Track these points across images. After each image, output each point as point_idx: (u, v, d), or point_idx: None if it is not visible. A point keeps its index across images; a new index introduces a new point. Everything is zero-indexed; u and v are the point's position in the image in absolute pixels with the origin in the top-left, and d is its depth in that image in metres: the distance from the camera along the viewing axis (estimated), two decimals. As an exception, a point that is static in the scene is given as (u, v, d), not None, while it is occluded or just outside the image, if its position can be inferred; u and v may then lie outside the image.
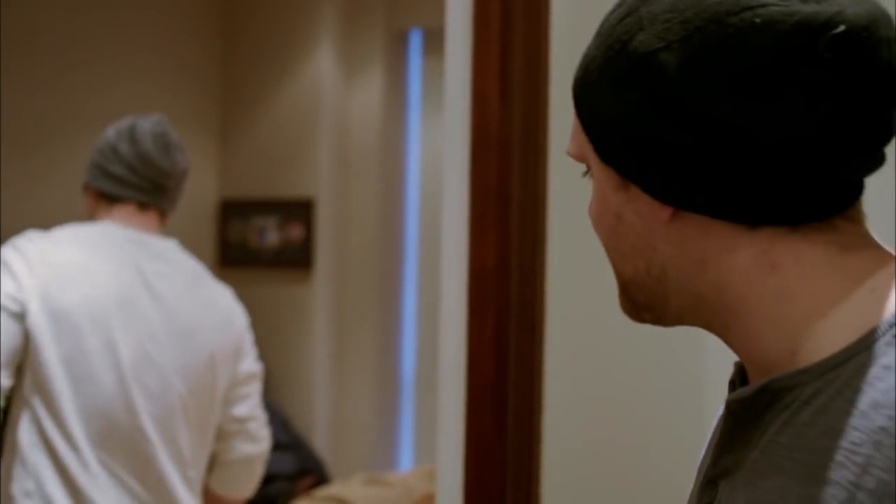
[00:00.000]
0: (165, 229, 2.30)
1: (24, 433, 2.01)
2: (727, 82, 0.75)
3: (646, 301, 0.86)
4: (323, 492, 4.23)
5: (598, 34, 0.82)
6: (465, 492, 1.70)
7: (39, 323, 2.00)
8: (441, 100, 1.85)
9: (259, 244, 5.50)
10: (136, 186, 2.21)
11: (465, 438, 1.69)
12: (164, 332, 2.13)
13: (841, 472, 0.72)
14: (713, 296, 0.81)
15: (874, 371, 0.72)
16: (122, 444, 2.06)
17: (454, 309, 1.70)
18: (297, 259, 5.37)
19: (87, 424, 2.01)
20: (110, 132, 2.27)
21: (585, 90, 0.82)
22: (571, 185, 1.08)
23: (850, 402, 0.73)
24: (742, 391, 0.81)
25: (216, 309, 2.24)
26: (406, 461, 5.48)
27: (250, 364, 2.28)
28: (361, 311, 5.41)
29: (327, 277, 5.35)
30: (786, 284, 0.78)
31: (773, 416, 0.78)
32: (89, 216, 2.27)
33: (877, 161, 0.80)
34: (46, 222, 2.37)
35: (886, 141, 0.79)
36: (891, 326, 0.74)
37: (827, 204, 0.78)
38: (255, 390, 2.28)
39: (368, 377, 5.36)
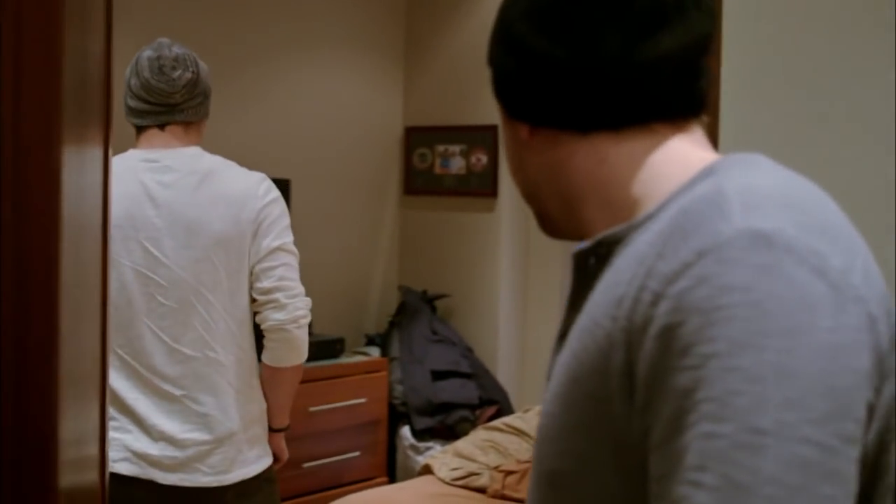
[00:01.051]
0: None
1: None
2: (543, 24, 1.00)
3: (539, 211, 1.10)
4: (500, 421, 4.18)
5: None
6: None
7: None
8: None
9: (443, 171, 5.45)
10: (148, 112, 2.48)
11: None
12: (167, 236, 2.40)
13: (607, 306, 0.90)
14: (569, 192, 1.04)
15: (662, 215, 0.91)
16: (127, 339, 2.39)
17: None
18: (482, 186, 5.30)
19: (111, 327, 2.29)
20: (126, 70, 2.51)
21: (492, 51, 1.08)
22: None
23: (636, 242, 0.92)
24: (580, 245, 1.01)
25: (222, 200, 2.43)
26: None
27: (271, 240, 2.44)
28: (547, 239, 5.29)
29: (512, 204, 5.25)
30: (612, 172, 1.00)
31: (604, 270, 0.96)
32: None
33: (686, 84, 1.00)
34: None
35: (674, 62, 0.98)
36: (691, 181, 0.93)
37: (639, 111, 0.99)
38: (281, 263, 2.44)
39: (554, 306, 5.26)
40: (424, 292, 5.34)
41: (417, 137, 5.53)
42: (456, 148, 5.38)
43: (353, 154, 5.35)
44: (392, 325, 5.25)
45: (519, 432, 4.05)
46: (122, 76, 2.52)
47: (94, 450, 1.16)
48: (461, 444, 3.97)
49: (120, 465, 2.37)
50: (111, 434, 2.30)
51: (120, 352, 2.40)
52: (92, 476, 1.14)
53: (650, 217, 0.93)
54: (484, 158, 5.27)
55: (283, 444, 2.64)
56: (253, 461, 2.49)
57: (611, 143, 1.00)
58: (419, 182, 5.53)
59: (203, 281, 2.41)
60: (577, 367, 0.91)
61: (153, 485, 2.39)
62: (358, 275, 5.43)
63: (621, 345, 0.85)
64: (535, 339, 5.34)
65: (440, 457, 3.86)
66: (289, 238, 2.50)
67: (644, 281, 0.85)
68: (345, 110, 5.31)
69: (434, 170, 5.47)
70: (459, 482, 3.68)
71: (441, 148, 5.43)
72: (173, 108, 2.47)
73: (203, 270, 2.41)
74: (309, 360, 4.46)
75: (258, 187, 2.47)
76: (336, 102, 5.27)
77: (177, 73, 2.45)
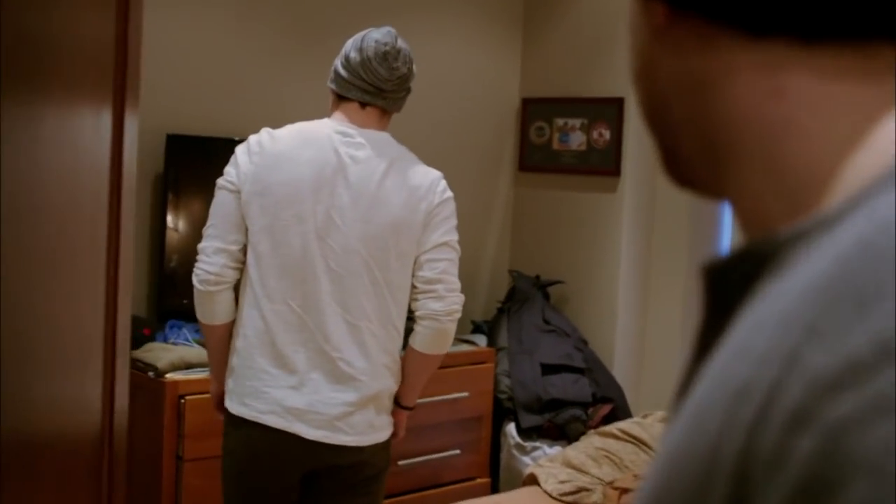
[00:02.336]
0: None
1: (242, 294, 2.62)
2: None
3: (664, 143, 0.69)
4: (616, 427, 3.77)
5: None
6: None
7: (249, 200, 2.56)
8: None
9: (562, 147, 5.04)
10: (358, 88, 2.65)
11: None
12: (350, 207, 2.57)
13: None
14: (715, 132, 0.63)
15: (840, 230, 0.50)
16: (303, 294, 2.57)
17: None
18: (604, 164, 4.88)
19: (281, 280, 2.55)
20: (348, 41, 2.71)
21: None
22: None
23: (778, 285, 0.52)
24: (719, 257, 0.59)
25: (406, 188, 2.61)
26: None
27: (440, 235, 2.63)
28: (673, 224, 4.87)
29: (636, 185, 4.83)
30: (791, 117, 0.58)
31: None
32: (329, 111, 2.74)
33: None
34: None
35: None
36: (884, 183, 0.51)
37: (859, 15, 0.56)
38: (445, 258, 2.63)
39: (677, 298, 4.83)
40: (537, 278, 4.97)
41: (535, 109, 5.13)
42: (576, 122, 4.97)
43: (464, 127, 4.99)
44: (501, 311, 4.89)
45: (637, 441, 3.64)
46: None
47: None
48: (571, 451, 3.58)
49: (267, 417, 2.56)
50: (259, 387, 2.55)
51: (293, 304, 2.56)
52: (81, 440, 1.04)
53: (827, 223, 0.53)
54: (607, 134, 4.86)
55: (404, 422, 2.84)
56: (383, 427, 2.69)
57: (799, 64, 0.59)
58: (535, 158, 5.14)
59: (375, 256, 2.59)
60: (666, 478, 0.53)
61: (297, 438, 2.56)
62: (466, 257, 5.03)
63: (729, 475, 0.47)
64: (657, 332, 4.91)
65: (547, 466, 3.48)
66: (455, 237, 2.68)
67: (782, 372, 0.47)
68: (456, 80, 4.94)
69: (552, 145, 5.07)
70: (568, 498, 3.30)
71: (560, 121, 5.03)
72: (381, 93, 2.65)
73: (376, 247, 2.59)
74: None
75: (438, 184, 2.66)
76: (447, 71, 4.91)
77: (397, 65, 2.65)
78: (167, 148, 3.81)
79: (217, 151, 3.95)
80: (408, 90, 2.73)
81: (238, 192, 2.59)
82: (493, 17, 5.08)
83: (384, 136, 2.69)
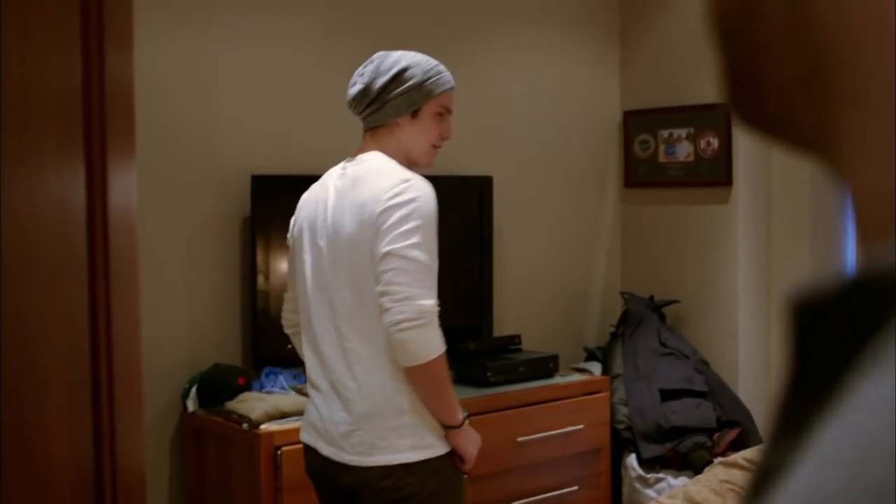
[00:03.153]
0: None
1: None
2: None
3: (739, 65, 0.45)
4: (741, 456, 3.50)
5: None
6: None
7: (291, 247, 2.82)
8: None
9: (668, 159, 4.79)
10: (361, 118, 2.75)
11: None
12: (324, 236, 2.64)
13: None
14: (828, 50, 0.38)
15: None
16: (308, 321, 2.73)
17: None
18: (714, 174, 4.62)
19: (302, 313, 2.74)
20: None
21: None
22: None
23: None
24: (815, 287, 0.36)
25: (356, 205, 2.57)
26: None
27: (383, 245, 2.50)
28: (792, 234, 4.57)
29: (750, 194, 4.55)
30: None
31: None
32: None
33: None
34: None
35: None
36: None
37: None
38: (390, 268, 2.48)
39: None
40: (651, 298, 4.72)
41: (637, 122, 4.89)
42: (682, 132, 4.72)
43: (563, 144, 4.78)
44: (614, 336, 4.65)
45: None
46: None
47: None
48: (693, 486, 3.32)
49: (302, 433, 2.75)
50: (307, 408, 2.76)
51: (308, 333, 2.72)
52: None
53: None
54: (715, 142, 4.59)
55: (459, 442, 2.65)
56: (403, 449, 2.58)
57: None
58: (641, 172, 4.90)
59: (344, 278, 2.59)
60: None
61: (318, 453, 2.67)
62: (574, 280, 4.85)
63: None
64: (782, 348, 4.61)
65: (667, 503, 3.23)
66: (405, 242, 2.50)
67: None
68: (553, 94, 4.74)
69: (658, 158, 4.83)
70: (692, 537, 3.04)
71: (665, 133, 4.79)
72: (361, 114, 2.71)
73: (344, 270, 2.59)
74: (516, 381, 4.01)
75: (385, 192, 2.53)
76: (543, 86, 4.71)
77: (353, 87, 2.69)
78: (253, 189, 3.70)
79: (303, 189, 3.84)
80: (379, 100, 2.66)
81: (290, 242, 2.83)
82: (589, 30, 4.87)
83: (366, 156, 2.67)
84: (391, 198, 2.52)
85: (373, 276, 2.54)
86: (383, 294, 2.50)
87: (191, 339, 3.65)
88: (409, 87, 2.66)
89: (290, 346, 3.67)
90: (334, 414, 2.64)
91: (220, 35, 3.73)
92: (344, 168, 2.71)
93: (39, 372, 1.10)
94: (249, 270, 3.73)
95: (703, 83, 4.62)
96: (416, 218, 2.51)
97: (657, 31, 4.82)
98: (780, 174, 4.61)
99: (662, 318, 4.69)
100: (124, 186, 0.98)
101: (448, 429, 2.63)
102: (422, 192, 2.54)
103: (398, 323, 2.47)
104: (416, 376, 2.55)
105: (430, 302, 2.49)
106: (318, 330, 2.68)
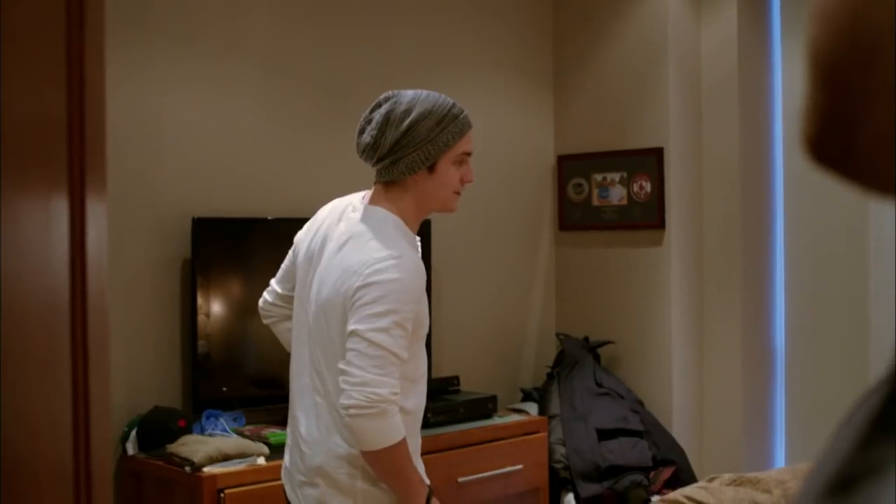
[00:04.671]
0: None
1: None
2: None
3: (836, 109, 0.44)
4: (682, 493, 3.55)
5: None
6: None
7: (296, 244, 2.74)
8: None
9: (602, 202, 4.88)
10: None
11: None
12: (315, 282, 2.55)
13: None
14: None
15: None
16: (293, 358, 2.66)
17: None
18: (647, 217, 4.71)
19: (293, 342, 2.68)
20: None
21: None
22: None
23: None
24: None
25: (340, 268, 2.47)
26: (779, 456, 4.69)
27: (352, 323, 2.41)
28: (723, 277, 4.67)
29: (683, 236, 4.65)
30: None
31: None
32: None
33: None
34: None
35: None
36: None
37: None
38: (351, 349, 2.39)
39: (735, 350, 4.62)
40: (586, 339, 4.78)
41: (571, 166, 4.98)
42: (615, 175, 4.81)
43: (499, 187, 4.84)
44: (550, 377, 4.70)
45: (704, 508, 3.42)
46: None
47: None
48: (634, 524, 3.36)
49: (282, 473, 2.68)
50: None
51: (291, 365, 2.65)
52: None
53: None
54: (648, 186, 4.69)
55: None
56: None
57: None
58: (575, 216, 4.98)
59: (316, 333, 2.53)
60: None
61: (286, 497, 2.63)
62: (510, 322, 4.90)
63: None
64: (715, 387, 4.70)
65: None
66: (372, 325, 2.38)
67: None
68: (488, 139, 4.81)
69: (592, 201, 4.92)
70: (634, 574, 3.07)
71: (599, 177, 4.88)
72: (372, 165, 2.55)
73: (317, 325, 2.53)
74: (457, 422, 4.04)
75: (368, 266, 2.42)
76: (479, 131, 4.74)
77: (361, 137, 2.53)
78: (193, 231, 3.70)
79: (244, 232, 3.84)
80: (393, 155, 2.49)
81: (294, 258, 2.73)
82: (523, 75, 4.96)
83: (371, 210, 2.55)
84: (371, 274, 2.40)
85: (342, 347, 2.44)
86: (341, 373, 2.40)
87: (130, 382, 3.62)
88: (423, 140, 2.48)
89: (224, 389, 3.66)
90: (295, 461, 2.58)
91: (161, 77, 3.74)
92: (355, 210, 2.58)
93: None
94: (190, 313, 3.72)
95: (635, 129, 4.72)
96: (390, 301, 2.37)
97: (590, 79, 4.92)
98: (712, 217, 4.72)
99: (597, 358, 4.75)
100: (97, 224, 0.96)
101: None
102: (405, 273, 2.40)
103: (348, 408, 2.36)
104: (368, 459, 2.44)
105: (384, 391, 2.35)
106: (295, 369, 2.62)
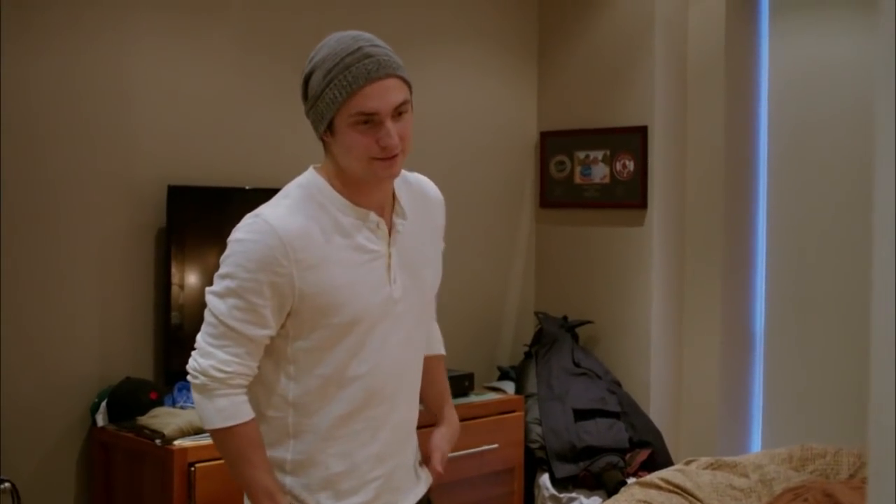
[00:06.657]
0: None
1: None
2: None
3: None
4: (658, 476, 3.51)
5: None
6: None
7: None
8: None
9: (584, 180, 4.82)
10: None
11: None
12: None
13: None
14: None
15: None
16: None
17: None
18: (629, 196, 4.66)
19: None
20: None
21: None
22: None
23: None
24: None
25: None
26: (756, 440, 4.67)
27: None
28: (705, 258, 4.63)
29: (664, 216, 4.61)
30: None
31: None
32: None
33: None
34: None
35: None
36: None
37: None
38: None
39: (715, 332, 4.58)
40: (564, 318, 4.73)
41: (554, 143, 4.92)
42: (598, 154, 4.76)
43: (480, 163, 4.78)
44: (528, 356, 4.66)
45: (682, 491, 3.38)
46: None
47: None
48: (611, 505, 3.32)
49: None
50: None
51: None
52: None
53: None
54: (631, 164, 4.64)
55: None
56: None
57: None
58: (557, 193, 4.93)
59: None
60: None
61: None
62: (489, 300, 4.85)
63: None
64: (693, 371, 4.67)
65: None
66: (213, 287, 2.07)
67: None
68: (471, 114, 4.74)
69: (574, 179, 4.86)
70: (610, 557, 3.04)
71: (581, 154, 4.82)
72: None
73: None
74: None
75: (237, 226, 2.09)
76: (460, 105, 4.71)
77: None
78: (169, 200, 3.61)
79: (220, 201, 3.76)
80: (307, 115, 2.11)
81: None
82: (507, 50, 4.88)
83: (306, 172, 2.18)
84: (232, 233, 2.08)
85: None
86: None
87: (102, 352, 3.54)
88: (313, 96, 2.08)
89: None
90: None
91: (137, 43, 3.65)
92: None
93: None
94: (164, 282, 3.64)
95: (620, 106, 4.67)
96: (229, 264, 2.04)
97: (575, 54, 4.86)
98: (694, 198, 4.68)
99: (576, 338, 4.71)
100: None
101: None
102: (251, 234, 2.02)
103: (188, 372, 2.09)
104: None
105: (206, 363, 2.02)
106: None
